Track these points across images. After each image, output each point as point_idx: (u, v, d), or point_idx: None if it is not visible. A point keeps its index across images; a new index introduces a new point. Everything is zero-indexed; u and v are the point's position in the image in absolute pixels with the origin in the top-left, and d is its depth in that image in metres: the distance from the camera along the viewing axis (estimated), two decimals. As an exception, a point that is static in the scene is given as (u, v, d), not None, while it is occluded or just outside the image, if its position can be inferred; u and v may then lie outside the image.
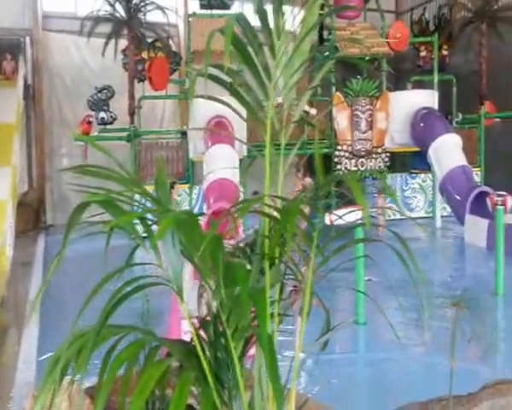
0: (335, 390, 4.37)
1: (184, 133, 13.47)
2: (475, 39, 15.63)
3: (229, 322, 1.81)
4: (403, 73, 16.44)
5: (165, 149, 13.53)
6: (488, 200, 8.92)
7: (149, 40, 14.37)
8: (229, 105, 2.09)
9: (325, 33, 14.65)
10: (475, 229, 10.10)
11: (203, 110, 11.93)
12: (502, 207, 6.70)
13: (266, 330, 1.55)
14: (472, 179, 11.79)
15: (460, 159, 12.04)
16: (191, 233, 1.68)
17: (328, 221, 6.92)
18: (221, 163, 10.95)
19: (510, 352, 4.87)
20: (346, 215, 7.15)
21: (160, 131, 12.23)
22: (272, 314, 1.93)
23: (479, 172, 15.03)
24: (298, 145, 2.01)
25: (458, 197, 11.29)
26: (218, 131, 11.22)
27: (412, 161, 15.92)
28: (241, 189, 12.31)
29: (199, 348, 1.82)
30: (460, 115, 15.93)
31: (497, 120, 15.91)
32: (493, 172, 17.21)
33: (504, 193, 8.06)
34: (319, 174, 1.97)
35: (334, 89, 13.83)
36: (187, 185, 13.38)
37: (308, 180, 10.68)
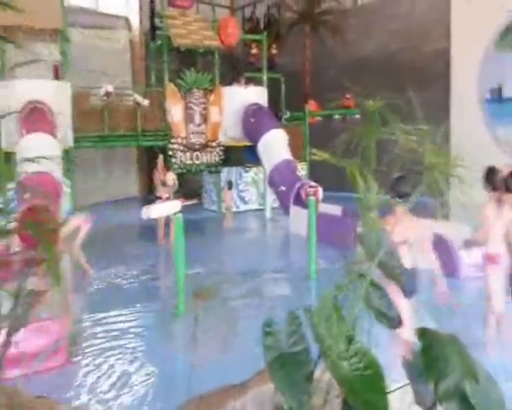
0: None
1: (-4, 120, 12.05)
2: (301, 40, 16.69)
3: None
4: (237, 68, 16.88)
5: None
6: (302, 191, 9.50)
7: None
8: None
9: (157, 21, 14.40)
10: (298, 219, 10.72)
11: (20, 94, 10.85)
12: (313, 197, 7.17)
13: None
14: (296, 173, 12.50)
15: (285, 153, 12.72)
16: None
17: (144, 215, 6.54)
18: (38, 154, 10.02)
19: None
20: (162, 209, 6.88)
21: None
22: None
23: (304, 166, 16.08)
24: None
25: (284, 189, 11.89)
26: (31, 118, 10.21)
27: (246, 155, 16.47)
28: (67, 182, 11.45)
29: None
30: (288, 113, 16.90)
31: (337, 117, 17.07)
32: (318, 167, 18.64)
33: (315, 184, 8.65)
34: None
35: (167, 80, 13.62)
36: None
37: (170, 175, 10.24)
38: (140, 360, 4.71)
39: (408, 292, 3.96)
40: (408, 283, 3.88)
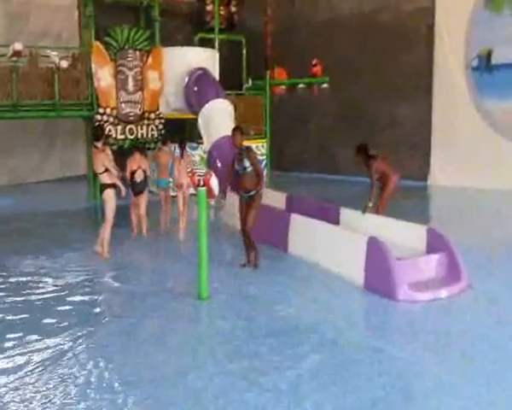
0: None
1: None
2: (266, -2, 14.41)
3: None
4: (187, 28, 14.70)
5: None
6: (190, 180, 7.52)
7: None
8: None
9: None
10: (231, 208, 8.75)
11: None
12: (204, 187, 5.18)
13: None
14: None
15: (229, 128, 10.59)
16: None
17: None
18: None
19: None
20: None
21: None
22: None
23: (265, 145, 13.98)
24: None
25: (223, 172, 9.84)
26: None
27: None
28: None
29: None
30: (250, 81, 14.76)
31: (302, 86, 14.76)
32: (286, 145, 16.51)
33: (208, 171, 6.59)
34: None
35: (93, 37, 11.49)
36: None
37: (110, 153, 7.83)
38: None
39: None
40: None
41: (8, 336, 4.47)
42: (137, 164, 8.05)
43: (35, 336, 4.45)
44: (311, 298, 5.37)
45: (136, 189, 8.03)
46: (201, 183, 5.32)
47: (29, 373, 3.79)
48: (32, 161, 16.13)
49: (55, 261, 6.92)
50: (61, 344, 4.31)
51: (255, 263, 6.35)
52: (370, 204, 6.94)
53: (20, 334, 4.51)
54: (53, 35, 15.95)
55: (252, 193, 6.12)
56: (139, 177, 8.05)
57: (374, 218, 6.86)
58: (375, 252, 5.31)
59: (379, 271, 5.27)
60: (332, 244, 6.15)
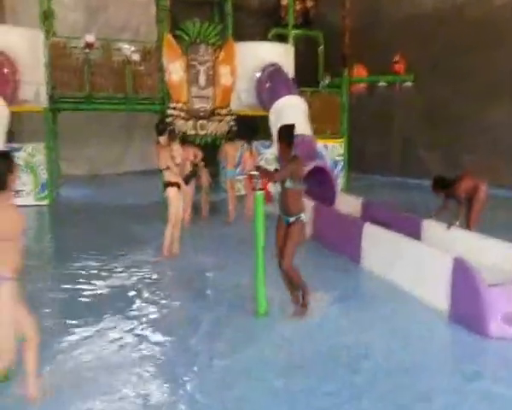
0: None
1: None
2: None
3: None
4: (262, 24, 14.18)
5: None
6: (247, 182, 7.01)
7: None
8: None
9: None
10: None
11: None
12: (261, 191, 4.58)
13: None
14: (313, 152, 9.75)
15: (301, 126, 9.94)
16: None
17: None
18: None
19: None
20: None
21: None
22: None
23: (342, 145, 13.16)
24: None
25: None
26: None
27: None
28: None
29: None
30: (328, 78, 14.00)
31: (383, 84, 13.85)
32: (366, 146, 15.61)
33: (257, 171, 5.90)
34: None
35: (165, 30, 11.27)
36: None
37: (176, 148, 7.54)
38: None
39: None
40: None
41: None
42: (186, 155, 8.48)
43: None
44: (386, 328, 4.48)
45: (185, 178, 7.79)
46: (258, 186, 4.66)
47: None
48: (111, 152, 16.47)
49: (115, 259, 6.66)
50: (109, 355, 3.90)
51: (303, 303, 4.74)
52: (457, 223, 6.12)
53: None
54: (132, 29, 16.18)
55: (291, 219, 4.54)
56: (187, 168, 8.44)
57: (461, 234, 5.95)
58: (462, 276, 4.46)
59: (466, 298, 4.39)
60: (411, 262, 5.33)
